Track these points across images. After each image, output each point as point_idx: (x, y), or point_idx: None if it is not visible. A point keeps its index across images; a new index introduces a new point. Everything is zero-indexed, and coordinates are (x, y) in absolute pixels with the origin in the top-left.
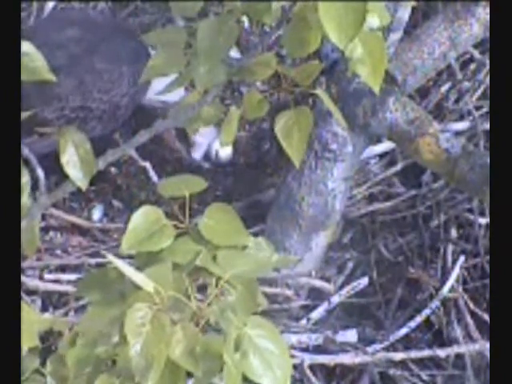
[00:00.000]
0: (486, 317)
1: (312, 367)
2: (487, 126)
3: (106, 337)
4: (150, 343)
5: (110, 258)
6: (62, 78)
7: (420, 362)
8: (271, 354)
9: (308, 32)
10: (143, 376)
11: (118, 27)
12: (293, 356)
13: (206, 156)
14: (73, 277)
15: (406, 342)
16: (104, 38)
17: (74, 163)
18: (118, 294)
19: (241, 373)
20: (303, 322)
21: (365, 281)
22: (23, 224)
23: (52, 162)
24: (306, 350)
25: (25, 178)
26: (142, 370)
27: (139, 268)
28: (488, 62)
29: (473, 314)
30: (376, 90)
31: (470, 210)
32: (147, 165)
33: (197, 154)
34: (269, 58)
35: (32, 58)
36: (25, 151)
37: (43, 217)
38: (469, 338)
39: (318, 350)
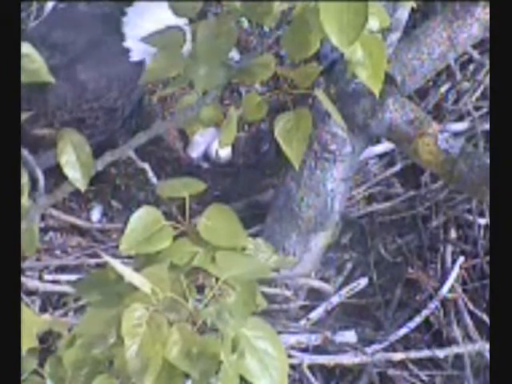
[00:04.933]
0: (485, 317)
1: (311, 367)
2: (486, 126)
3: (103, 338)
4: (147, 344)
5: (107, 258)
6: (47, 95)
7: (419, 362)
8: (268, 356)
9: (308, 34)
10: (140, 377)
11: (113, 22)
12: (292, 356)
13: (205, 156)
14: (72, 277)
15: (406, 343)
16: (93, 41)
17: (73, 164)
18: (116, 294)
19: (238, 374)
20: (302, 322)
21: (364, 281)
22: (23, 225)
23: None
24: (305, 350)
25: (24, 179)
26: (138, 371)
27: (138, 269)
28: (487, 62)
29: (472, 315)
30: (376, 92)
31: (469, 211)
32: (146, 165)
33: (194, 153)
34: (268, 60)
35: (32, 59)
36: (24, 152)
37: (42, 217)
38: (468, 338)
39: (317, 350)
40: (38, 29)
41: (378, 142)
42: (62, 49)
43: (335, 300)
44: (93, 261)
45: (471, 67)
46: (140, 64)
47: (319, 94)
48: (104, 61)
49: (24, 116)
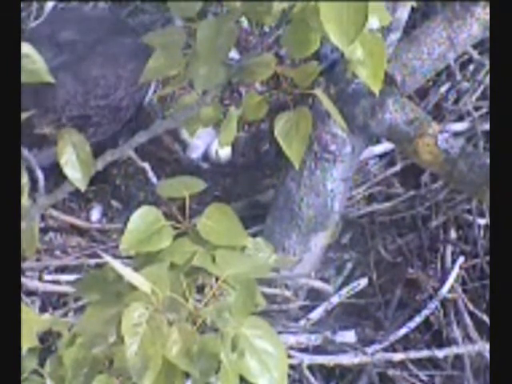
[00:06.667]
0: (485, 318)
1: (311, 368)
2: (486, 126)
3: (102, 337)
4: (147, 343)
5: (107, 258)
6: (56, 89)
7: (419, 362)
8: (268, 355)
9: (308, 33)
10: (140, 376)
11: (116, 25)
12: (292, 356)
13: (205, 156)
14: (72, 277)
15: (405, 343)
16: (100, 40)
17: (73, 164)
18: (115, 294)
19: (237, 373)
20: (302, 322)
21: (364, 281)
22: (22, 225)
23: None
24: (305, 350)
25: (24, 179)
26: (138, 370)
27: (138, 269)
28: (487, 62)
29: (472, 315)
30: (376, 91)
31: (469, 211)
32: (146, 165)
33: (194, 155)
34: (268, 59)
35: (32, 59)
36: (24, 152)
37: (42, 218)
38: (468, 338)
39: (316, 350)
40: (43, 28)
41: (378, 142)
42: (71, 47)
43: (335, 300)
44: (93, 261)
45: (471, 67)
46: None
47: (319, 93)
48: (112, 60)
49: (24, 115)
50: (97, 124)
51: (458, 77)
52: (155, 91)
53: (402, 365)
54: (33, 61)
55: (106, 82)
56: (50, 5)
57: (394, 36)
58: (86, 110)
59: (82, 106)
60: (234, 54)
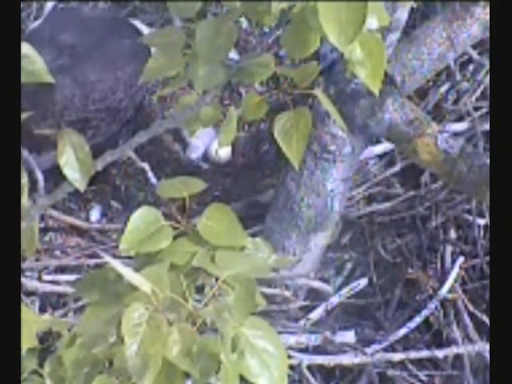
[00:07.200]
0: (485, 318)
1: (311, 368)
2: (486, 126)
3: (102, 337)
4: (147, 343)
5: (107, 258)
6: (55, 93)
7: (419, 362)
8: (268, 355)
9: (308, 33)
10: (140, 376)
11: (116, 26)
12: (291, 357)
13: (205, 156)
14: (72, 278)
15: (405, 343)
16: (99, 41)
17: (72, 164)
18: (115, 294)
19: (237, 373)
20: (302, 322)
21: (364, 281)
22: (22, 225)
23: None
24: (304, 350)
25: (24, 179)
26: (138, 370)
27: (137, 269)
28: (487, 62)
29: (471, 315)
30: (375, 91)
31: (469, 211)
32: (146, 166)
33: (194, 155)
34: (267, 59)
35: (31, 59)
36: (24, 153)
37: (42, 218)
38: (467, 338)
39: (316, 350)
40: (43, 29)
41: (378, 142)
42: (69, 49)
43: (335, 300)
44: (92, 261)
45: (471, 67)
46: None
47: (319, 93)
48: (111, 62)
49: (24, 116)
50: (96, 126)
51: (458, 77)
52: (155, 91)
53: (401, 365)
54: (32, 61)
55: (105, 85)
56: (49, 5)
57: (394, 36)
58: (84, 114)
59: (80, 110)
60: (233, 54)
